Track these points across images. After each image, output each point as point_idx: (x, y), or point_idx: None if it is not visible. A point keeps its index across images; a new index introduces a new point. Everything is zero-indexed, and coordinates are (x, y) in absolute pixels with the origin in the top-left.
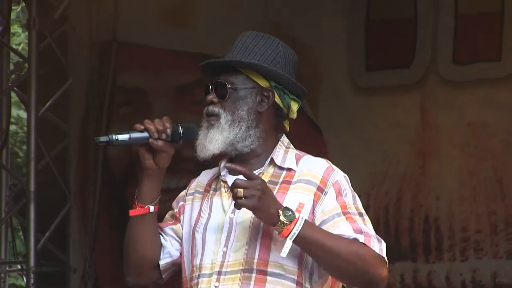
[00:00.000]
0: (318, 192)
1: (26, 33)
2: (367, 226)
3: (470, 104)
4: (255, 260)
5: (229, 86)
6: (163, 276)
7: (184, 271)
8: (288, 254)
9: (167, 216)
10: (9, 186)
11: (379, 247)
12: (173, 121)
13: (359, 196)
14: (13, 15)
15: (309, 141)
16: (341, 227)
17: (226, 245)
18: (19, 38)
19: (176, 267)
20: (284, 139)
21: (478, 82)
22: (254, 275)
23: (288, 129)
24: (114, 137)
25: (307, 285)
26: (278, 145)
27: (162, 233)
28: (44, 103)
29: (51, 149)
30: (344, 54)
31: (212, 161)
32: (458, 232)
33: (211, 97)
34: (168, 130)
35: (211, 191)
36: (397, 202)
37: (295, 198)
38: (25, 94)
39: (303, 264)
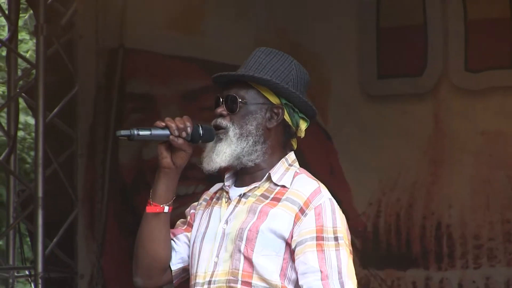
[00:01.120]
0: (299, 213)
1: (34, 41)
2: (338, 254)
3: (484, 113)
4: (240, 272)
5: (240, 100)
6: (173, 282)
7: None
8: (270, 269)
9: (178, 222)
10: (17, 192)
11: (338, 284)
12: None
13: (370, 204)
14: (20, 22)
15: (319, 149)
16: (308, 256)
17: (217, 255)
18: (27, 45)
19: (186, 273)
20: (290, 156)
21: (491, 90)
22: (239, 286)
23: (296, 147)
24: (135, 132)
25: None
26: (280, 162)
27: (174, 238)
28: (51, 109)
29: (59, 155)
30: (353, 61)
31: (218, 174)
32: (471, 240)
33: (221, 110)
34: (189, 129)
35: (214, 200)
36: (408, 209)
37: (278, 214)
38: (32, 100)
39: (285, 280)
